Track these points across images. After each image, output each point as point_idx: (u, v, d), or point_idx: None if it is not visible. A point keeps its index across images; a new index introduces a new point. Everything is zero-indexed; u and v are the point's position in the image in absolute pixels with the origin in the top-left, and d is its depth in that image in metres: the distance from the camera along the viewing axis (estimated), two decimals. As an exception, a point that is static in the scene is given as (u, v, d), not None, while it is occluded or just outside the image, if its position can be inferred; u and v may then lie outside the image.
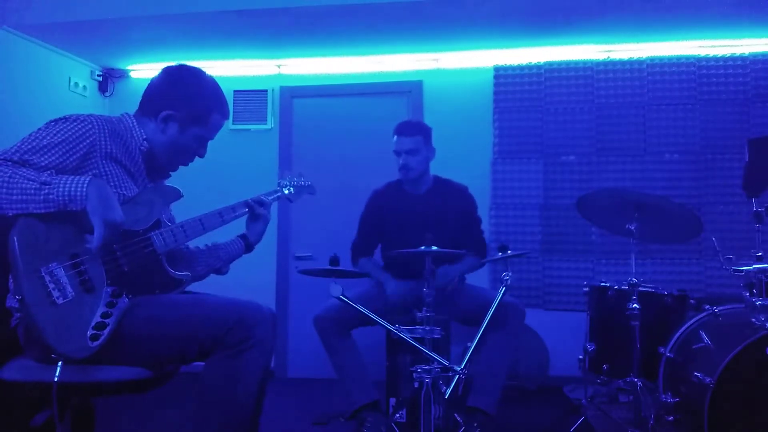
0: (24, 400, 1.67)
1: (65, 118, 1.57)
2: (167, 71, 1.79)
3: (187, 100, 1.74)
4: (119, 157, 1.64)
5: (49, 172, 1.45)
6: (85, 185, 1.41)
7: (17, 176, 1.39)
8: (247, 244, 1.98)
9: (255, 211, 1.96)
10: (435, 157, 2.99)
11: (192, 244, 1.92)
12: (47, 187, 1.39)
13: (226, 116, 1.84)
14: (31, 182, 1.39)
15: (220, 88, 1.82)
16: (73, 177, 1.44)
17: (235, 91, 4.25)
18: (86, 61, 4.24)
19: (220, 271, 1.96)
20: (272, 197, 2.07)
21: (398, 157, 2.91)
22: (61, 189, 1.40)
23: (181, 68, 1.80)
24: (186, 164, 1.85)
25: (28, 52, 3.77)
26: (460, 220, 2.95)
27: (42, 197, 1.39)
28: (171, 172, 1.87)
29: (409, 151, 2.87)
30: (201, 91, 1.77)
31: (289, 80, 4.28)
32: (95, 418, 1.87)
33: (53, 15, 3.52)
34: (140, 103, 1.78)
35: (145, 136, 1.72)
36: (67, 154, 1.52)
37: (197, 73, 1.80)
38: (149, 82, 1.79)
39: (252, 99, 4.27)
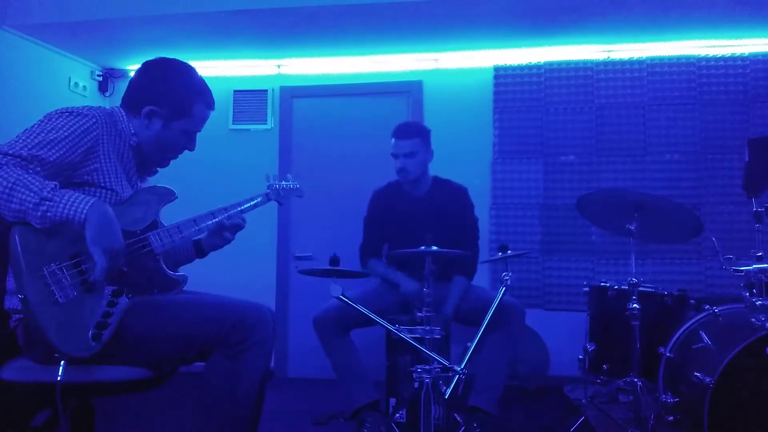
0: (24, 400, 1.67)
1: (69, 111, 1.55)
2: (147, 66, 1.75)
3: (168, 94, 1.71)
4: (119, 150, 1.64)
5: (54, 184, 1.42)
6: (84, 210, 1.40)
7: (20, 185, 1.37)
8: (199, 251, 1.94)
9: (223, 232, 1.89)
10: (434, 158, 2.99)
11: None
12: (47, 203, 1.37)
13: (211, 106, 1.80)
14: (32, 194, 1.37)
15: (202, 79, 1.79)
16: (75, 196, 1.41)
17: (235, 91, 4.26)
18: (86, 61, 4.24)
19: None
20: (258, 200, 2.01)
21: (396, 159, 2.91)
22: (60, 209, 1.38)
23: (161, 62, 1.76)
24: (175, 157, 1.82)
25: (28, 52, 3.77)
26: (458, 221, 2.95)
27: (39, 213, 1.37)
28: (160, 168, 1.84)
29: (406, 154, 2.87)
30: (182, 82, 1.74)
31: (289, 80, 4.27)
32: (95, 418, 1.87)
33: (53, 15, 3.52)
34: (123, 99, 1.75)
35: (133, 131, 1.70)
36: (73, 149, 1.51)
37: (178, 65, 1.76)
38: (131, 77, 1.77)
39: (252, 99, 4.27)
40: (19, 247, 1.38)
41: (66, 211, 1.39)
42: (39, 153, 1.44)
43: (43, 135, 1.47)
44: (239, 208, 1.91)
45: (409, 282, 2.80)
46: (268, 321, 1.60)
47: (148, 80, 1.73)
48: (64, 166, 1.49)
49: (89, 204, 1.41)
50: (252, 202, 1.98)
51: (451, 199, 2.97)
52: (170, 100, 1.71)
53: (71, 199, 1.40)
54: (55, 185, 1.43)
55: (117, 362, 1.53)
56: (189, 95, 1.74)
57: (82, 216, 1.39)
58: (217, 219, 1.84)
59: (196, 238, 1.92)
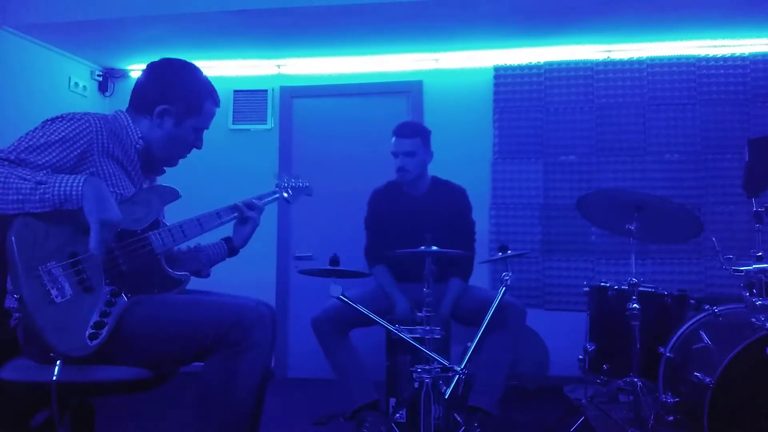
0: (24, 399, 1.67)
1: (61, 117, 1.56)
2: (154, 66, 1.78)
3: (180, 92, 1.73)
4: (117, 155, 1.64)
5: (45, 171, 1.45)
6: (80, 184, 1.41)
7: (12, 176, 1.39)
8: (231, 247, 1.95)
9: (244, 214, 1.92)
10: (434, 158, 2.98)
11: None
12: (43, 186, 1.39)
13: (217, 104, 1.84)
14: (26, 182, 1.39)
15: (207, 77, 1.82)
16: (69, 176, 1.43)
17: (235, 91, 4.25)
18: (86, 61, 4.24)
19: (200, 274, 1.92)
20: (269, 199, 2.06)
21: (395, 158, 2.90)
22: (56, 188, 1.39)
23: (168, 62, 1.79)
24: (184, 156, 1.84)
25: (28, 52, 3.77)
26: (456, 222, 2.94)
27: (38, 196, 1.38)
28: (168, 168, 1.85)
29: (406, 153, 2.87)
30: (191, 81, 1.77)
31: (289, 80, 4.27)
32: (95, 418, 1.87)
33: (53, 15, 3.51)
34: (131, 101, 1.76)
35: (140, 134, 1.71)
36: (65, 153, 1.51)
37: (184, 64, 1.80)
38: (137, 79, 1.79)
39: (252, 99, 4.27)
40: (15, 246, 1.39)
41: (63, 188, 1.40)
42: (27, 157, 1.46)
43: (34, 140, 1.48)
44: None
45: (402, 303, 2.78)
46: (267, 321, 1.60)
47: (158, 80, 1.75)
48: (57, 171, 1.49)
49: (84, 179, 1.42)
50: (268, 198, 2.05)
51: (449, 199, 2.96)
52: (182, 98, 1.73)
53: (66, 178, 1.42)
54: (48, 171, 1.45)
55: (115, 362, 1.52)
56: (199, 93, 1.77)
57: (80, 190, 1.40)
58: (235, 214, 1.90)
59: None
